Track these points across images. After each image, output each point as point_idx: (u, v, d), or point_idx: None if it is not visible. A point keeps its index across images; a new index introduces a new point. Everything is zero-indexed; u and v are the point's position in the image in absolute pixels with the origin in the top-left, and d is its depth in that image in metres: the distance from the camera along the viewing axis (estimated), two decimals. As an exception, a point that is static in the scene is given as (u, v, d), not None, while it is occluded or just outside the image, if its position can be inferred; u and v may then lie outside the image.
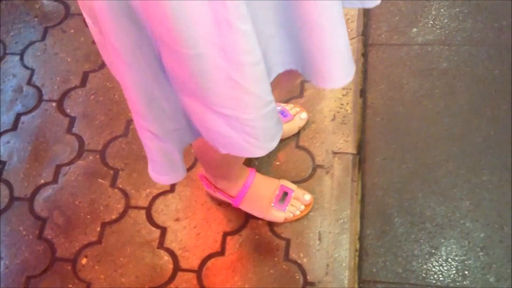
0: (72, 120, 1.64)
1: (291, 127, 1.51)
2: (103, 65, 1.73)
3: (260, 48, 0.76)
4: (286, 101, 1.57)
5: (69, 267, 1.42)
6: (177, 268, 1.40)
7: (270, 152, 1.50)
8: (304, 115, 1.52)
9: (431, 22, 1.78)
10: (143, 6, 0.71)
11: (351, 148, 1.51)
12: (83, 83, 1.71)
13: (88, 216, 1.49)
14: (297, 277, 1.35)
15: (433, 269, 1.39)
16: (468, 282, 1.37)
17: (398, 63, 1.67)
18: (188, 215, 1.46)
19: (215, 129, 0.84)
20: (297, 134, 1.53)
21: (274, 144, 0.87)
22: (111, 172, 1.54)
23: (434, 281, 1.38)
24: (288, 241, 1.39)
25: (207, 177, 1.40)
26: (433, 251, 1.41)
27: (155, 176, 0.96)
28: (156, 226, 1.45)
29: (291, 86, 1.54)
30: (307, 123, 1.54)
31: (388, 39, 1.76)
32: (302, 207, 1.40)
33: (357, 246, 1.43)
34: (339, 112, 1.56)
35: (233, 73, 0.76)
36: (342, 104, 1.57)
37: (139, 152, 1.57)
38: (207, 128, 0.86)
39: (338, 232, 1.39)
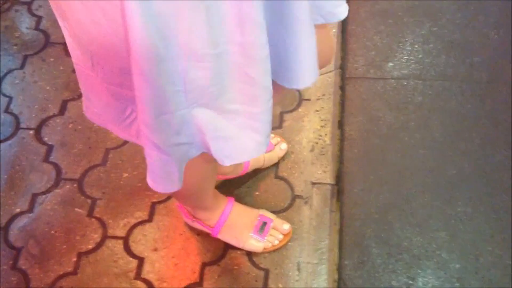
0: (50, 149, 1.63)
1: (271, 157, 1.52)
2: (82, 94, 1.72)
3: None
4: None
5: (44, 298, 1.39)
6: (154, 299, 1.38)
7: (250, 182, 1.52)
8: (284, 146, 1.54)
9: (406, 57, 1.84)
10: (177, 17, 0.73)
11: (329, 179, 1.53)
12: (62, 111, 1.70)
13: (64, 246, 1.46)
14: (276, 308, 1.35)
15: (411, 299, 1.41)
16: (445, 312, 1.38)
17: (375, 96, 1.71)
18: (166, 245, 1.45)
19: (223, 135, 0.88)
20: (276, 164, 1.55)
21: (268, 140, 0.93)
22: (89, 201, 1.53)
23: (411, 312, 1.39)
24: (267, 272, 1.39)
25: (185, 207, 1.40)
26: (410, 282, 1.42)
27: (150, 183, 0.97)
28: (134, 256, 1.44)
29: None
30: (286, 154, 1.56)
31: (364, 73, 1.81)
32: (281, 236, 1.40)
33: (336, 276, 1.43)
34: (317, 143, 1.58)
35: (248, 68, 0.80)
36: (320, 135, 1.59)
37: (117, 182, 1.56)
38: (215, 137, 0.89)
39: (317, 263, 1.40)
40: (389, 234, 1.49)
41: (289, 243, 1.42)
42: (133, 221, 1.49)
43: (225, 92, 0.84)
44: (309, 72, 0.90)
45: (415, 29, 1.90)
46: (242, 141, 0.90)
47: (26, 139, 1.65)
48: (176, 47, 0.76)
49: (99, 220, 1.50)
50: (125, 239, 1.46)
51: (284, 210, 1.48)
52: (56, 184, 1.56)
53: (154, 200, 1.52)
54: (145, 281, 1.40)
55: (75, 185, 1.56)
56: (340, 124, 1.67)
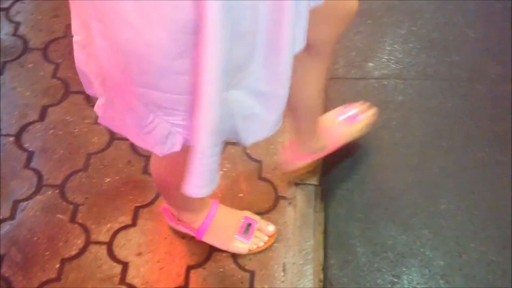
0: (31, 155, 1.61)
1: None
2: (62, 99, 1.71)
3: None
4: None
5: (27, 306, 1.38)
6: (139, 304, 1.37)
7: (233, 184, 1.51)
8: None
9: (386, 57, 1.85)
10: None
11: (313, 179, 1.53)
12: (42, 117, 1.69)
13: (47, 253, 1.44)
14: (262, 309, 1.35)
15: (396, 297, 1.41)
16: (430, 309, 1.39)
17: (356, 96, 1.71)
18: (150, 249, 1.44)
19: (250, 113, 0.92)
20: (260, 165, 1.55)
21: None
22: (71, 207, 1.51)
23: (397, 310, 1.40)
24: (252, 273, 1.38)
25: (170, 209, 1.39)
26: (395, 280, 1.43)
27: (194, 190, 0.92)
28: (118, 261, 1.42)
29: None
30: (270, 155, 1.56)
31: (345, 73, 1.82)
32: (266, 238, 1.40)
33: (321, 276, 1.43)
34: (300, 144, 1.58)
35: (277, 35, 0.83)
36: (303, 136, 1.59)
37: (99, 186, 1.54)
38: (244, 117, 0.92)
39: (302, 263, 1.40)
40: (373, 233, 1.50)
41: (274, 244, 1.42)
42: (116, 225, 1.47)
43: (253, 71, 0.86)
44: None
45: (394, 29, 1.92)
46: (265, 119, 0.93)
47: (7, 146, 1.63)
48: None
49: (82, 225, 1.48)
50: (109, 244, 1.45)
51: (268, 211, 1.47)
52: (37, 191, 1.54)
53: (138, 205, 1.51)
54: (130, 286, 1.38)
55: (57, 191, 1.54)
56: (323, 125, 1.67)
